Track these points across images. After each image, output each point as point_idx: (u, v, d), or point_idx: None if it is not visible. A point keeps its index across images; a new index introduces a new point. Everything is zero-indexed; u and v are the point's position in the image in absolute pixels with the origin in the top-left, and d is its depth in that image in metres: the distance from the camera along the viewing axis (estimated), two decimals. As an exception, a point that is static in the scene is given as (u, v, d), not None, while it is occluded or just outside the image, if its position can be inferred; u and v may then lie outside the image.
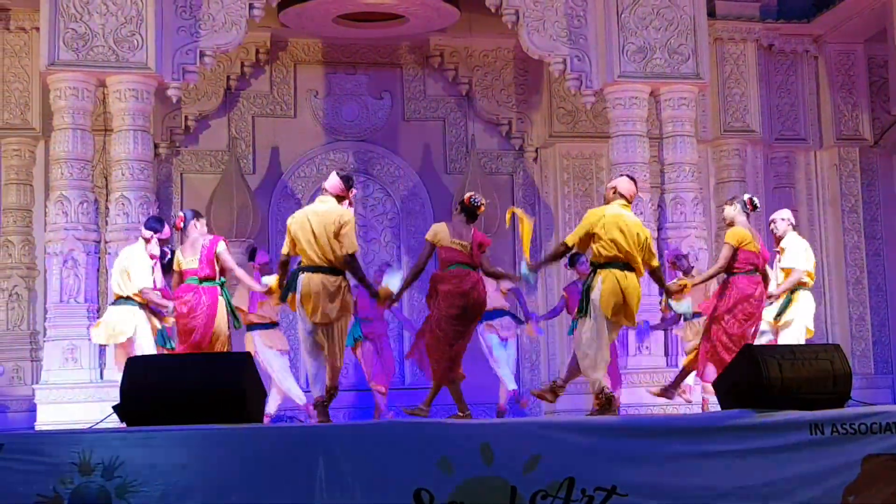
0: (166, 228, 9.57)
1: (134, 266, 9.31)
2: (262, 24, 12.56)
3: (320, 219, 8.24)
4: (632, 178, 8.74)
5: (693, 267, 11.54)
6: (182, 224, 9.23)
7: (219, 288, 9.10)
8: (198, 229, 9.21)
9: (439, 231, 8.82)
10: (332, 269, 8.24)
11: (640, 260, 8.31)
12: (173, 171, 13.66)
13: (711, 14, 13.32)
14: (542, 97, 14.16)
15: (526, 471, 6.51)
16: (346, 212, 8.37)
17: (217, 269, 9.12)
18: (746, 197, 9.38)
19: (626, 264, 8.27)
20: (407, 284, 9.10)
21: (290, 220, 8.41)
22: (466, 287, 8.66)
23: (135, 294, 9.28)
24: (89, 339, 10.80)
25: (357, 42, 14.10)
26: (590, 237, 8.34)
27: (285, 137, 14.06)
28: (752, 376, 7.11)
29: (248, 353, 7.63)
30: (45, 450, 6.23)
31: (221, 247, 9.15)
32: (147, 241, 9.43)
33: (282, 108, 14.10)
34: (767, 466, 6.79)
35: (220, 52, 12.09)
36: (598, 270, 8.28)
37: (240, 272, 9.41)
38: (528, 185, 14.39)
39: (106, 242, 11.61)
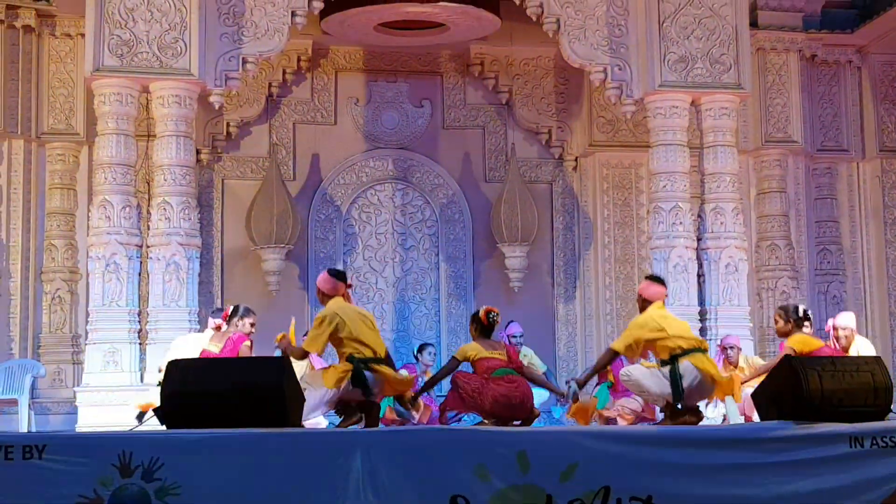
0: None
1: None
2: (304, 31, 12.61)
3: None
4: (654, 279, 8.57)
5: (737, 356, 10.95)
6: (227, 318, 9.51)
7: None
8: (238, 327, 9.37)
9: (469, 349, 8.61)
10: None
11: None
12: (215, 177, 13.76)
13: (754, 24, 13.26)
14: (583, 106, 14.13)
15: (562, 479, 6.50)
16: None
17: None
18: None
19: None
20: (424, 390, 9.35)
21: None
22: (518, 399, 8.40)
23: None
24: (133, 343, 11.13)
25: (398, 50, 14.15)
26: (644, 344, 8.18)
27: (326, 144, 14.13)
28: (793, 388, 7.07)
29: (287, 357, 7.66)
30: (87, 451, 6.28)
31: (244, 345, 9.21)
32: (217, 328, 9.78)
33: (322, 116, 14.17)
34: (806, 479, 6.74)
35: (263, 59, 12.17)
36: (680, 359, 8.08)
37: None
38: (567, 193, 14.37)
39: (148, 247, 11.70)
